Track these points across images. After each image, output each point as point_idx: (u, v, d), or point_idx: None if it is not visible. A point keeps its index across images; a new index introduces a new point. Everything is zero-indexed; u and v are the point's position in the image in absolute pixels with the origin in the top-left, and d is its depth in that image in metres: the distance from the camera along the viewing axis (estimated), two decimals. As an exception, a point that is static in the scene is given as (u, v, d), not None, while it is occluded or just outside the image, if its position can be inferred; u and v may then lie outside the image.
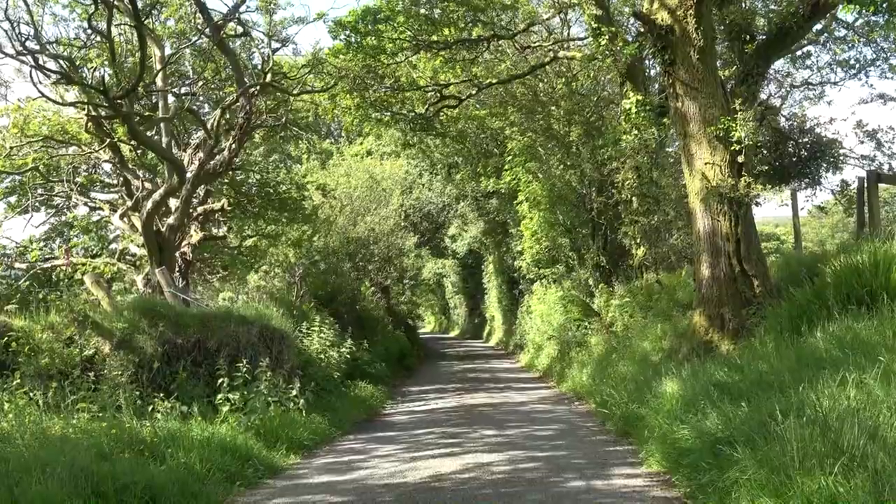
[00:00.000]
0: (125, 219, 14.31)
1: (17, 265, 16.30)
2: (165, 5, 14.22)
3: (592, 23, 13.02)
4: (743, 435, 4.92)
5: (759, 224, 9.74)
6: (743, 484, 4.40)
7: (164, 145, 13.32)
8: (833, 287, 7.03)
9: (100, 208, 16.68)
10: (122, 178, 14.53)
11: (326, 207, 19.82)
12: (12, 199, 16.12)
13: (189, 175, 12.39)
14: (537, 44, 17.38)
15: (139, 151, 15.31)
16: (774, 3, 12.41)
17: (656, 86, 14.83)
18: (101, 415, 7.29)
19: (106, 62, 12.60)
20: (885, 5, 6.40)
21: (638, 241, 14.04)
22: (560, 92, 16.50)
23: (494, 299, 31.28)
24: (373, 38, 14.75)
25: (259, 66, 14.17)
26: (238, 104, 12.86)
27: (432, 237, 30.98)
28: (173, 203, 13.14)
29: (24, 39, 9.61)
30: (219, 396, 8.47)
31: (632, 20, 15.09)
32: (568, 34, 17.36)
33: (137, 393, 8.21)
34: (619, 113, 14.59)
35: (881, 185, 11.28)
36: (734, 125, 8.46)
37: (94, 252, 17.44)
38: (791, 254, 12.14)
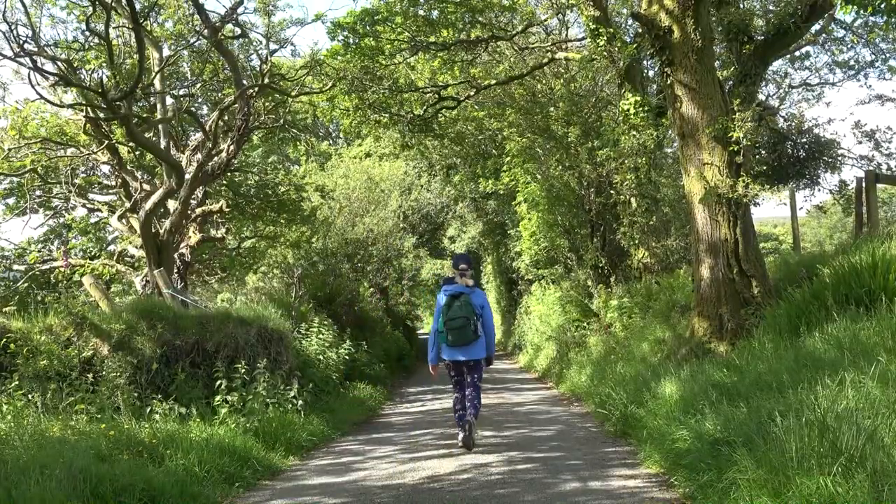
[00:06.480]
0: (123, 220, 14.32)
1: (15, 267, 16.30)
2: (163, 7, 14.22)
3: (590, 24, 13.03)
4: (742, 435, 4.91)
5: (757, 224, 9.74)
6: (742, 484, 4.39)
7: (162, 147, 13.31)
8: (831, 288, 7.04)
9: (98, 210, 16.68)
10: (120, 180, 14.52)
11: (325, 209, 19.82)
12: (10, 200, 16.13)
13: (187, 176, 12.38)
14: (535, 45, 17.41)
15: (137, 153, 15.31)
16: (773, 3, 12.44)
17: (654, 86, 14.84)
18: (99, 416, 7.29)
19: (104, 64, 12.60)
20: (882, 6, 6.40)
21: (636, 241, 14.04)
22: (558, 93, 16.50)
23: (493, 300, 31.28)
24: (371, 39, 14.77)
25: (257, 68, 14.17)
26: (236, 106, 12.86)
27: (431, 238, 30.99)
28: (171, 204, 13.14)
29: (21, 41, 9.59)
30: (217, 398, 8.45)
31: (630, 21, 15.12)
32: (566, 35, 17.39)
33: (136, 394, 8.22)
34: (618, 114, 14.60)
35: (879, 186, 11.31)
36: (732, 126, 8.47)
37: (93, 254, 17.43)
38: (789, 254, 12.15)
